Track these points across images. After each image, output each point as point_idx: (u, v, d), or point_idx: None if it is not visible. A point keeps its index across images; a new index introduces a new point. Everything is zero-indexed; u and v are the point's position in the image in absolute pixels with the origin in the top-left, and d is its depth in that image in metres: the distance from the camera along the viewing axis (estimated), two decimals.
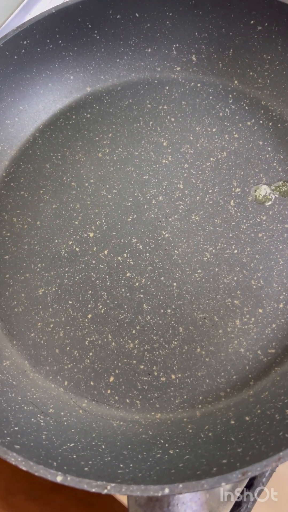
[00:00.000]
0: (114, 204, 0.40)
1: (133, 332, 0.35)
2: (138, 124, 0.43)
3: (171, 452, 0.29)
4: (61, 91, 0.45)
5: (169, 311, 0.36)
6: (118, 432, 0.32)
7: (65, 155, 0.43)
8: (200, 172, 0.41)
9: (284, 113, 0.42)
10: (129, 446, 0.30)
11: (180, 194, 0.40)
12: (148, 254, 0.38)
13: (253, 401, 0.32)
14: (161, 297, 0.36)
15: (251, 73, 0.43)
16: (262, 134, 0.41)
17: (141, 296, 0.36)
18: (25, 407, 0.32)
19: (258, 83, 0.43)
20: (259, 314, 0.35)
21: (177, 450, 0.29)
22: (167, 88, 0.44)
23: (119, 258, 0.38)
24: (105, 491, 0.24)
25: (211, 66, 0.44)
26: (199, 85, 0.44)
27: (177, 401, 0.33)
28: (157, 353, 0.35)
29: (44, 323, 0.36)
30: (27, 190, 0.41)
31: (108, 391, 0.34)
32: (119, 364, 0.35)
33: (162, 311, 0.36)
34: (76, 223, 0.40)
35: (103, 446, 0.30)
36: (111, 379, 0.34)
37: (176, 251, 0.38)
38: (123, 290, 0.37)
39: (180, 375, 0.34)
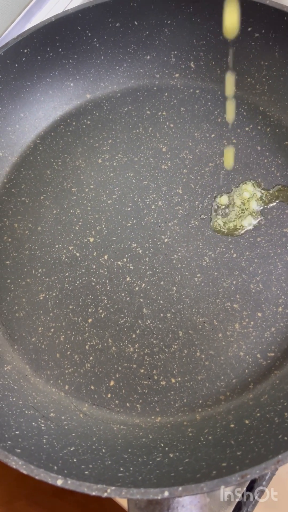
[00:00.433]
0: (114, 210, 0.40)
1: (134, 336, 0.36)
2: (137, 130, 0.43)
3: (171, 456, 0.29)
4: (61, 98, 0.45)
5: (168, 315, 0.36)
6: (118, 435, 0.32)
7: (65, 161, 0.43)
8: (199, 177, 0.41)
9: (282, 118, 0.42)
10: (129, 450, 0.30)
11: (179, 199, 0.40)
12: (147, 259, 0.38)
13: (253, 404, 0.32)
14: (161, 301, 0.37)
15: (249, 79, 0.43)
16: (260, 140, 0.42)
17: (141, 300, 0.37)
18: (26, 411, 0.32)
19: (256, 89, 0.43)
20: (258, 318, 0.35)
21: (177, 454, 0.29)
22: (166, 94, 0.45)
23: (119, 262, 0.38)
24: (105, 494, 0.24)
25: (209, 72, 0.45)
26: (197, 91, 0.44)
27: (177, 405, 0.33)
28: (157, 357, 0.35)
29: (45, 328, 0.37)
30: (28, 196, 0.42)
31: (109, 395, 0.34)
32: (120, 368, 0.35)
33: (161, 315, 0.36)
34: (77, 228, 0.40)
35: (103, 450, 0.30)
36: (112, 383, 0.34)
37: (175, 256, 0.38)
38: (123, 294, 0.37)
39: (180, 379, 0.34)
